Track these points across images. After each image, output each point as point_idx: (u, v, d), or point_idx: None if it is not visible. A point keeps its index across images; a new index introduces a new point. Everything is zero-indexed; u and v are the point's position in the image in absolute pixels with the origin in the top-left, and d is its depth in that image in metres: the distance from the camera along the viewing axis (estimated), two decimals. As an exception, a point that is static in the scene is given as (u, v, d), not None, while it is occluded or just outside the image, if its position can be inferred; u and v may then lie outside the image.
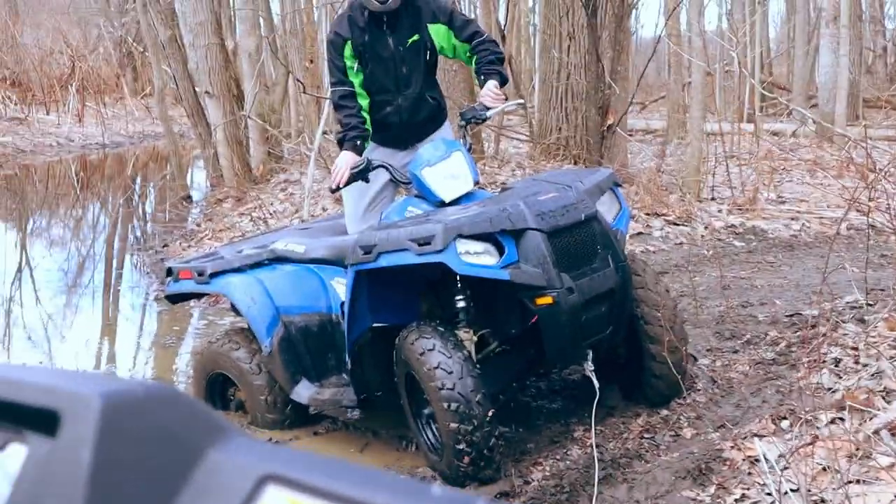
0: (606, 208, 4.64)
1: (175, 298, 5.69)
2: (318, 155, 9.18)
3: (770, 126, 14.58)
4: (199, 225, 11.38)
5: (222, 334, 5.46)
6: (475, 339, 4.42)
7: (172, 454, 0.60)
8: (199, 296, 6.02)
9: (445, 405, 4.04)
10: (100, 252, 11.28)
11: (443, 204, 4.59)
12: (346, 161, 4.77)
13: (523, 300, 4.21)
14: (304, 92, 11.59)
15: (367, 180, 4.78)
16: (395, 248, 4.10)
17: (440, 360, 4.07)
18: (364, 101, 5.00)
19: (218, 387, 5.38)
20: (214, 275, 5.14)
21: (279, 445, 0.68)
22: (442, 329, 4.21)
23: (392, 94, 5.07)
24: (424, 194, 4.67)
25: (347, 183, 4.72)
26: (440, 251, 3.98)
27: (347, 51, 4.97)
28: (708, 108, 11.38)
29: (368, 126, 4.98)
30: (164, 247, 10.49)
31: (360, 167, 4.66)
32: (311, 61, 14.14)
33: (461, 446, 4.06)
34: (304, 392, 4.91)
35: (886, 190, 5.42)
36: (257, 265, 5.14)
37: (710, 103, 12.72)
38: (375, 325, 4.54)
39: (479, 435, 4.04)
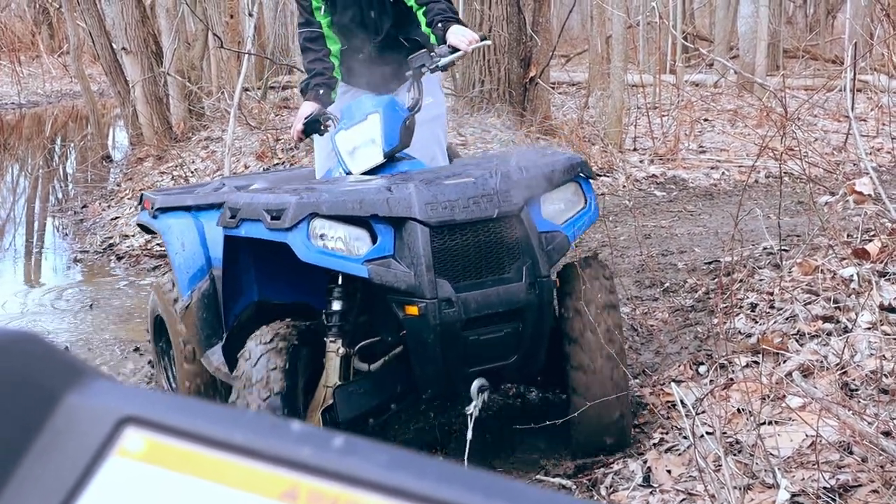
0: (562, 206, 3.75)
1: (148, 229, 4.97)
2: (239, 111, 9.04)
3: (691, 77, 14.70)
4: (119, 185, 11.18)
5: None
6: (343, 351, 3.56)
7: (28, 399, 0.59)
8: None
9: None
10: (19, 214, 11.03)
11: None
12: (302, 112, 4.28)
13: (393, 306, 3.45)
14: (222, 47, 11.39)
15: (321, 133, 4.22)
16: (253, 217, 3.45)
17: (245, 366, 3.42)
18: (335, 46, 4.54)
19: (165, 329, 4.71)
20: (163, 210, 4.51)
21: (140, 388, 0.68)
22: (285, 331, 3.51)
23: (361, 40, 4.55)
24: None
25: (304, 135, 4.27)
26: (288, 229, 3.31)
27: None
28: (630, 60, 11.43)
29: (337, 72, 4.51)
30: (83, 208, 10.31)
31: (310, 119, 4.15)
32: (231, 16, 13.87)
33: None
34: (214, 359, 4.18)
35: (799, 137, 5.51)
36: (216, 206, 4.34)
37: (632, 55, 12.78)
38: (263, 300, 3.96)
39: None
